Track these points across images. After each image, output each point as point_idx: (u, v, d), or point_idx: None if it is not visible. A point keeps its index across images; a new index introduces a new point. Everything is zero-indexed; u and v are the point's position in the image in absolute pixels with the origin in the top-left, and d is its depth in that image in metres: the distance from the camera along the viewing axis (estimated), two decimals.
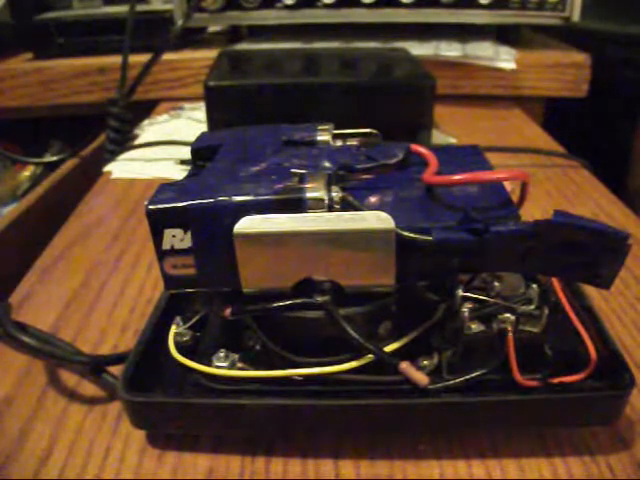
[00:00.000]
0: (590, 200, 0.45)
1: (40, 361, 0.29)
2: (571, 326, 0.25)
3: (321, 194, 0.22)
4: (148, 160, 0.53)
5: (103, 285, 0.35)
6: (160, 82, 0.67)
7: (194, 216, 0.22)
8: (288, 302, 0.22)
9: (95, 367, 0.27)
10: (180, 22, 0.62)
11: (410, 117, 0.49)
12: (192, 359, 0.24)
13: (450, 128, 0.59)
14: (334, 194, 0.22)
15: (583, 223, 0.20)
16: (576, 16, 0.63)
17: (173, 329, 0.26)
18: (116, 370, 0.27)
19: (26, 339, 0.27)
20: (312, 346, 0.23)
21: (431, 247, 0.21)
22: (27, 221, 0.46)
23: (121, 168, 0.53)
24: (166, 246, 0.22)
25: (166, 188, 0.23)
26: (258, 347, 0.24)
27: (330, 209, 0.22)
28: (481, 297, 0.23)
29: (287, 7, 0.65)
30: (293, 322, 0.23)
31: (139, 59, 0.57)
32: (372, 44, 0.68)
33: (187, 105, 0.66)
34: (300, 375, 0.23)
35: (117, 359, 0.27)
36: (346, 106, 0.48)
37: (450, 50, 0.65)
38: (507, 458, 0.23)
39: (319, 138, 0.28)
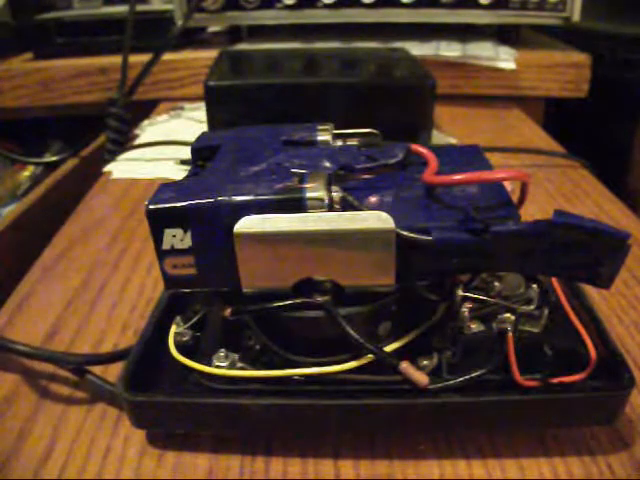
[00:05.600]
0: (590, 200, 0.45)
1: (40, 361, 0.29)
2: (571, 326, 0.25)
3: (321, 194, 0.22)
4: (148, 160, 0.53)
5: (103, 285, 0.35)
6: (160, 82, 0.67)
7: (194, 216, 0.22)
8: (288, 302, 0.22)
9: (79, 369, 0.27)
10: (180, 22, 0.62)
11: (410, 117, 0.49)
12: (192, 359, 0.24)
13: (450, 128, 0.59)
14: (334, 194, 0.22)
15: (583, 223, 0.20)
16: (576, 16, 0.63)
17: (173, 329, 0.26)
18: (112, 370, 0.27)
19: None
20: (312, 346, 0.23)
21: (431, 247, 0.21)
22: (27, 221, 0.46)
23: (121, 168, 0.53)
24: (166, 246, 0.22)
25: (166, 188, 0.23)
26: (258, 347, 0.24)
27: (330, 209, 0.22)
28: (481, 297, 0.23)
29: (287, 7, 0.65)
30: (293, 322, 0.23)
31: (139, 59, 0.57)
32: (372, 44, 0.68)
33: (187, 105, 0.66)
34: (300, 375, 0.23)
35: (100, 359, 0.27)
36: (346, 106, 0.48)
37: (450, 50, 0.65)
38: (507, 458, 0.23)
39: (319, 138, 0.28)
